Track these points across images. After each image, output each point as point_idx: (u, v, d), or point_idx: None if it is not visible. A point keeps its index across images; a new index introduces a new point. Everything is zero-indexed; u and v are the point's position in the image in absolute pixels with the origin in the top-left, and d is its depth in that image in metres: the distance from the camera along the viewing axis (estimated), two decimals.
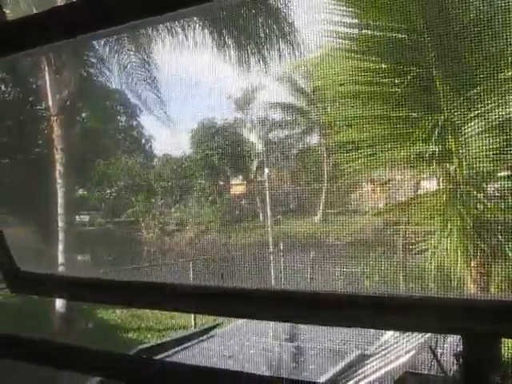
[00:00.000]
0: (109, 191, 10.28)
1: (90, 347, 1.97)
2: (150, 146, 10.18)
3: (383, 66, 4.33)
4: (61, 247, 8.31)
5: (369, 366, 5.72)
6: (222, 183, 8.57)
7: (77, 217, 9.41)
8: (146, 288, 1.96)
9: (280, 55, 6.43)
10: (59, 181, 8.37)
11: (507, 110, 4.31)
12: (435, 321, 1.57)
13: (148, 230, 9.23)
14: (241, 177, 8.24)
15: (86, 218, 10.34)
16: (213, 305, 1.79)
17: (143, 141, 10.39)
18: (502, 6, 4.31)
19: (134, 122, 10.62)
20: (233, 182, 8.36)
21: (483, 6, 4.22)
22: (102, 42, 7.94)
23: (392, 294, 1.63)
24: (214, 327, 6.98)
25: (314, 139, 6.91)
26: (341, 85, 4.47)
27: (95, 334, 8.64)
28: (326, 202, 6.65)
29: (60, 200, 8.32)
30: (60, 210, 8.34)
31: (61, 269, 8.45)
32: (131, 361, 2.10)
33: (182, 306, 1.96)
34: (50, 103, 8.48)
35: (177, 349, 6.63)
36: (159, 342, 7.68)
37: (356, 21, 4.47)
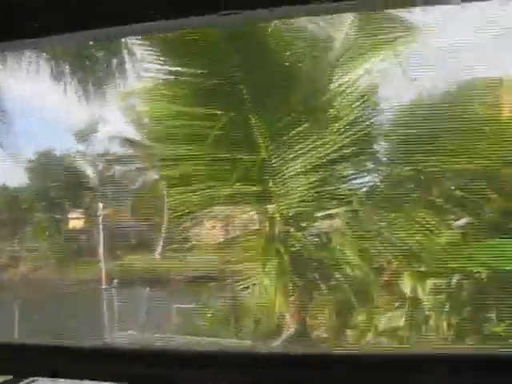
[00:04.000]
0: None
1: None
2: None
3: (198, 110, 4.48)
4: None
5: None
6: (59, 216, 8.21)
7: None
8: None
9: (119, 90, 6.40)
10: None
11: (323, 152, 4.63)
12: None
13: None
14: (79, 211, 7.97)
15: None
16: None
17: None
18: (317, 51, 4.68)
19: None
20: (71, 215, 8.06)
21: (299, 52, 4.54)
22: None
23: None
24: None
25: (153, 174, 6.90)
26: (164, 126, 4.57)
27: None
28: (166, 237, 6.62)
29: None
30: None
31: None
32: None
33: None
34: None
35: None
36: None
37: (172, 68, 4.62)
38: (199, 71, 4.55)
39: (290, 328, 4.88)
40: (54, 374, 1.79)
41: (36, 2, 1.63)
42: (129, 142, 6.79)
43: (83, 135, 7.49)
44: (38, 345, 1.93)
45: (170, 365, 1.65)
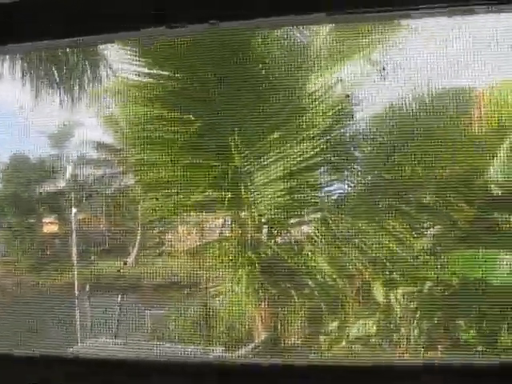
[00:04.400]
0: None
1: None
2: None
3: (172, 115, 4.49)
4: None
5: None
6: (33, 221, 8.13)
7: None
8: None
9: (94, 93, 6.37)
10: None
11: (295, 160, 4.67)
12: None
13: None
14: (53, 215, 7.89)
15: None
16: None
17: None
18: (292, 61, 4.72)
19: None
20: (45, 220, 7.98)
21: (274, 58, 4.57)
22: None
23: None
24: None
25: (127, 179, 6.87)
26: (138, 130, 4.57)
27: None
28: (140, 243, 6.60)
29: None
30: None
31: None
32: None
33: None
34: None
35: None
36: None
37: (147, 71, 4.63)
38: (174, 75, 4.56)
39: (261, 335, 4.90)
40: None
41: (35, 6, 1.63)
42: (103, 146, 6.77)
43: (58, 139, 7.44)
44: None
45: (147, 373, 1.64)
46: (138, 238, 6.42)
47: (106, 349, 5.73)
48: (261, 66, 4.41)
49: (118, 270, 6.29)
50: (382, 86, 4.42)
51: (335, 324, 4.91)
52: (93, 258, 6.92)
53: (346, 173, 4.89)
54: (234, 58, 4.27)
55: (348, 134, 4.87)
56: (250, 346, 4.92)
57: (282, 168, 4.58)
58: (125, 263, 6.02)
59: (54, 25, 1.63)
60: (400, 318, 4.87)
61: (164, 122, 4.54)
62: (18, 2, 1.65)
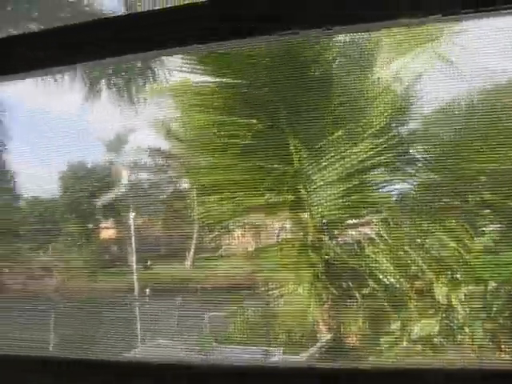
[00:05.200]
0: None
1: None
2: (16, 187, 9.68)
3: (230, 119, 4.53)
4: None
5: None
6: (91, 227, 8.31)
7: None
8: None
9: (150, 100, 6.47)
10: None
11: (356, 159, 4.66)
12: None
13: (12, 275, 8.71)
14: (111, 221, 8.06)
15: None
16: None
17: (9, 180, 9.86)
18: (351, 60, 4.69)
19: None
20: (102, 225, 8.15)
21: (333, 61, 4.56)
22: None
23: None
24: None
25: (184, 184, 6.97)
26: (195, 135, 4.63)
27: None
28: (196, 247, 6.67)
29: None
30: None
31: None
32: None
33: None
34: None
35: None
36: None
37: (205, 76, 4.68)
38: (232, 80, 4.60)
39: (324, 336, 4.88)
40: None
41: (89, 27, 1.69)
42: (159, 151, 6.87)
43: (114, 146, 7.59)
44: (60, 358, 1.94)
45: (201, 379, 1.64)
46: (196, 241, 6.49)
47: (165, 351, 5.81)
48: (319, 64, 4.41)
49: (178, 275, 6.37)
50: (444, 81, 4.34)
51: (397, 325, 4.86)
52: (151, 261, 7.04)
53: (407, 171, 4.84)
54: (292, 58, 4.28)
55: (408, 132, 4.82)
56: (313, 349, 4.92)
57: (342, 168, 4.57)
58: (186, 264, 6.10)
59: (112, 44, 1.67)
60: (463, 318, 4.78)
61: (223, 126, 4.60)
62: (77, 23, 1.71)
